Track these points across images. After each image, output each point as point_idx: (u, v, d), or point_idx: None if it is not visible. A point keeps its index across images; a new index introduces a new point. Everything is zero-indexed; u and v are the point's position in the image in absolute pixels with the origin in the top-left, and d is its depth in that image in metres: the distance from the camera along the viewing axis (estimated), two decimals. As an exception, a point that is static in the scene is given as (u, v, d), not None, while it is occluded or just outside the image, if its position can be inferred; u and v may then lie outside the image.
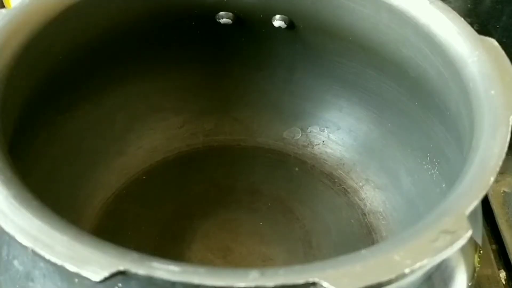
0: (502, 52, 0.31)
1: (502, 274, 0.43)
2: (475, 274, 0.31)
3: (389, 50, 0.36)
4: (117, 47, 0.39)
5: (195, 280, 0.20)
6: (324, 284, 0.20)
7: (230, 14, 0.40)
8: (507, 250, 0.44)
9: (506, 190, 0.48)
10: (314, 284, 0.20)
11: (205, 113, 0.47)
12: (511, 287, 0.43)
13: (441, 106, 0.34)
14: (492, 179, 0.24)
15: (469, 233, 0.22)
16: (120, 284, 0.22)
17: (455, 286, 0.29)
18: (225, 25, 0.41)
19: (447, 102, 0.33)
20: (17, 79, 0.30)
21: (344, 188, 0.45)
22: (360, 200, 0.44)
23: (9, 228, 0.22)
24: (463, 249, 0.29)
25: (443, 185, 0.35)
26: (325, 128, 0.46)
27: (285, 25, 0.40)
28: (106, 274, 0.20)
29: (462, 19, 0.32)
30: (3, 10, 0.31)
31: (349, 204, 0.44)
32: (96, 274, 0.20)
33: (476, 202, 0.24)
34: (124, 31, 0.38)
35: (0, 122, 0.27)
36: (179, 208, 0.43)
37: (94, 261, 0.20)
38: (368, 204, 0.43)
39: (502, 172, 0.49)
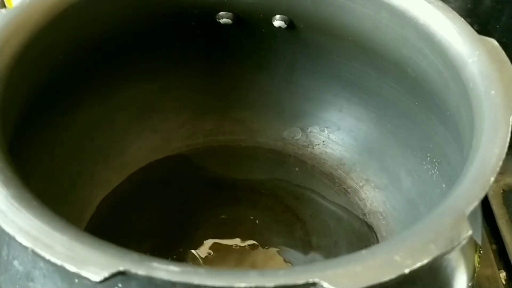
0: (502, 52, 0.30)
1: (502, 274, 0.43)
2: (475, 274, 0.31)
3: (389, 50, 0.36)
4: (117, 47, 0.39)
5: (195, 280, 0.20)
6: (324, 284, 0.20)
7: (230, 14, 0.40)
8: (507, 250, 0.44)
9: (506, 190, 0.48)
10: (314, 284, 0.20)
11: (205, 113, 0.47)
12: (511, 287, 0.43)
13: (441, 106, 0.34)
14: (492, 179, 0.24)
15: (469, 233, 0.22)
16: (120, 285, 0.22)
17: (455, 286, 0.29)
18: (225, 25, 0.41)
19: (447, 102, 0.33)
20: (17, 79, 0.30)
21: (344, 188, 0.45)
22: (360, 200, 0.44)
23: (9, 228, 0.22)
24: (463, 249, 0.29)
25: (443, 185, 0.35)
26: (325, 128, 0.46)
27: (285, 25, 0.40)
28: (106, 274, 0.20)
29: (462, 19, 0.32)
30: (3, 10, 0.31)
31: (349, 204, 0.44)
32: (96, 274, 0.20)
33: (476, 202, 0.24)
34: (124, 30, 0.38)
35: (0, 122, 0.27)
36: (179, 208, 0.43)
37: (94, 261, 0.20)
38: (368, 204, 0.43)
39: (502, 172, 0.49)
